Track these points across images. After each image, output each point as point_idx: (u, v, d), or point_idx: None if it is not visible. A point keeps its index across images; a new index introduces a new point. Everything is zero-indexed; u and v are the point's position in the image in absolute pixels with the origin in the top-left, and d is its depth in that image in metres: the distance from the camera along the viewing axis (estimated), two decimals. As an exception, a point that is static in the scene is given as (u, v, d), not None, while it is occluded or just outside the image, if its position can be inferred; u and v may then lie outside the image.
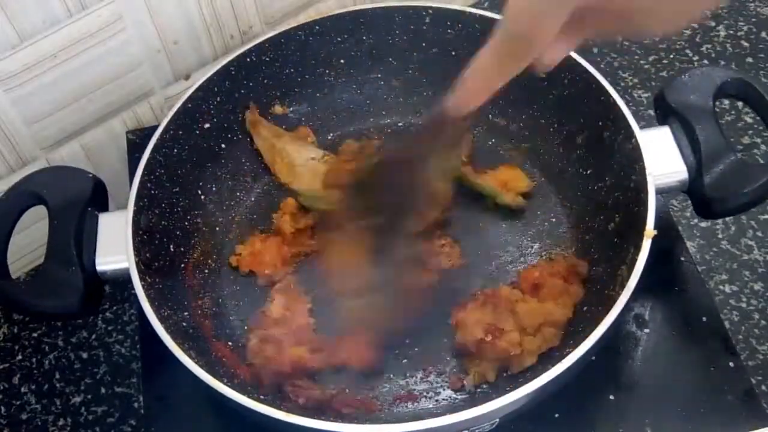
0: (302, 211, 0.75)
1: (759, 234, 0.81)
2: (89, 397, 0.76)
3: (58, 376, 0.78)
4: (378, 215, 0.64)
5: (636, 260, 0.60)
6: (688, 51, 0.96)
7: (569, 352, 0.56)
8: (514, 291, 0.67)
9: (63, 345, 0.80)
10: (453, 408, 0.63)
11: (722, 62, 0.94)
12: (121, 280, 0.65)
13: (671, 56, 0.96)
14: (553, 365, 0.56)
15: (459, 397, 0.65)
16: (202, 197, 0.75)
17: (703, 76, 0.70)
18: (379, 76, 0.82)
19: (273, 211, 0.76)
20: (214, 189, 0.76)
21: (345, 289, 0.66)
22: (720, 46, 0.96)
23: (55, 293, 0.64)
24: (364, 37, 0.79)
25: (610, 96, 0.69)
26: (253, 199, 0.78)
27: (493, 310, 0.65)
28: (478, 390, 0.65)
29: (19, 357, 0.79)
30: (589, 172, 0.73)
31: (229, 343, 0.68)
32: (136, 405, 0.75)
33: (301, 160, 0.77)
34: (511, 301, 0.65)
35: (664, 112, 0.70)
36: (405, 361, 0.67)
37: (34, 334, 0.81)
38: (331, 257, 0.68)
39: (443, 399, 0.65)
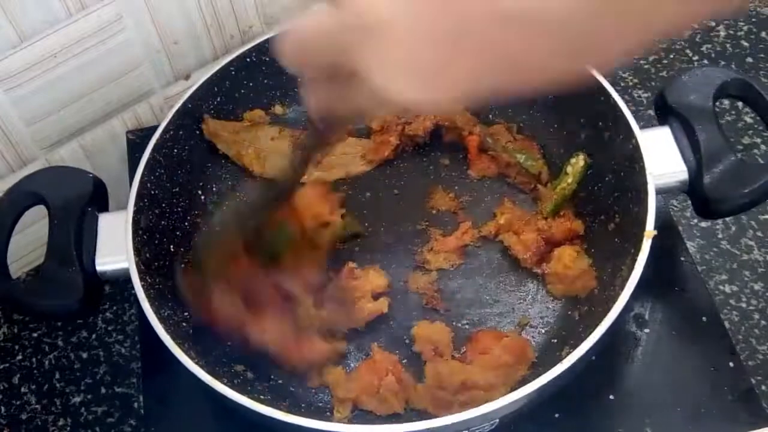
0: None
1: (759, 234, 0.81)
2: (89, 397, 0.76)
3: (58, 376, 0.78)
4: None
5: (636, 260, 0.60)
6: (688, 51, 0.96)
7: (569, 352, 0.56)
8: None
9: (63, 345, 0.80)
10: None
11: (722, 62, 0.94)
12: (121, 280, 0.65)
13: (671, 56, 0.96)
14: (553, 365, 0.56)
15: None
16: (203, 197, 0.75)
17: (703, 76, 0.70)
18: (379, 76, 0.82)
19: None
20: (214, 189, 0.76)
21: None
22: (720, 46, 0.96)
23: (55, 293, 0.64)
24: (364, 37, 0.79)
25: (610, 96, 0.69)
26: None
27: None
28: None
29: (19, 357, 0.79)
30: (589, 172, 0.72)
31: (229, 343, 0.68)
32: (136, 405, 0.75)
33: (263, 144, 0.76)
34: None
35: (664, 112, 0.70)
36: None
37: (34, 334, 0.81)
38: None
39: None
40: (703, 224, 0.82)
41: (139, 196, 0.67)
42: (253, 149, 0.76)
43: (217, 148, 0.77)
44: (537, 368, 0.63)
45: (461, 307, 0.69)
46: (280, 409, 0.56)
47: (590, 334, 0.57)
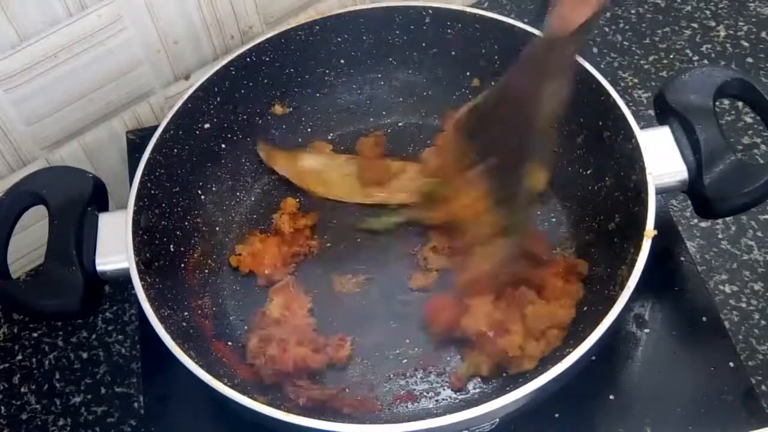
0: (302, 212, 0.75)
1: (759, 234, 0.81)
2: (89, 397, 0.76)
3: (58, 376, 0.78)
4: (494, 156, 0.63)
5: (636, 260, 0.60)
6: (688, 51, 0.96)
7: (569, 352, 0.56)
8: (529, 291, 0.66)
9: (63, 345, 0.80)
10: (453, 408, 0.63)
11: (722, 62, 0.94)
12: (121, 280, 0.65)
13: (671, 56, 0.96)
14: (553, 365, 0.56)
15: (459, 397, 0.65)
16: (202, 197, 0.75)
17: (703, 76, 0.70)
18: (379, 76, 0.82)
19: (273, 212, 0.77)
20: (214, 189, 0.76)
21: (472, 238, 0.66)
22: (720, 46, 0.96)
23: (55, 293, 0.64)
24: (364, 37, 0.79)
25: (610, 96, 0.69)
26: (253, 199, 0.78)
27: (506, 306, 0.65)
28: (474, 389, 0.65)
29: (19, 357, 0.79)
30: (589, 172, 0.73)
31: (229, 343, 0.68)
32: (136, 405, 0.75)
33: (328, 172, 0.77)
34: (523, 301, 0.65)
35: (664, 112, 0.70)
36: (405, 360, 0.67)
37: (34, 334, 0.81)
38: (452, 209, 0.68)
39: (443, 399, 0.65)
40: (703, 224, 0.82)
41: (139, 196, 0.67)
42: (318, 178, 0.77)
43: (217, 148, 0.77)
44: (537, 368, 0.63)
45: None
46: (280, 409, 0.56)
47: (590, 334, 0.57)
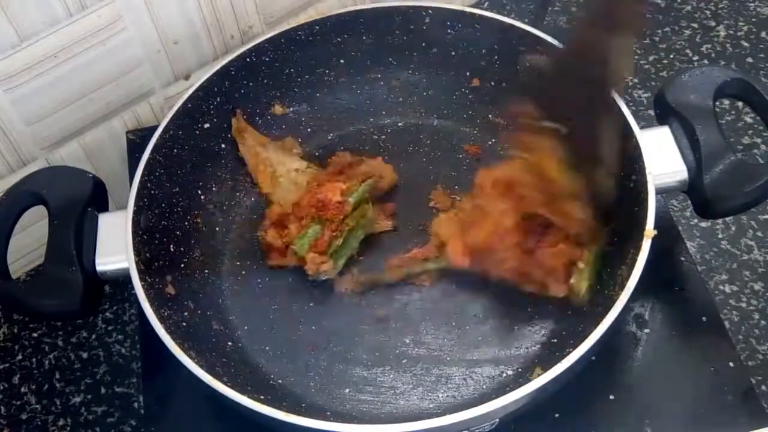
0: (284, 225, 0.73)
1: (759, 234, 0.81)
2: (89, 397, 0.76)
3: (58, 376, 0.78)
4: (570, 117, 0.62)
5: (636, 260, 0.60)
6: (688, 51, 0.96)
7: (569, 352, 0.56)
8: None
9: (63, 345, 0.80)
10: (453, 408, 0.63)
11: (722, 62, 0.94)
12: (121, 280, 0.65)
13: (671, 56, 0.96)
14: (553, 365, 0.56)
15: (459, 397, 0.65)
16: (202, 197, 0.75)
17: (703, 76, 0.70)
18: (379, 76, 0.82)
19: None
20: (214, 189, 0.76)
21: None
22: (720, 46, 0.96)
23: (55, 293, 0.64)
24: (364, 37, 0.79)
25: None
26: (253, 199, 0.78)
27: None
28: (475, 389, 0.65)
29: (19, 357, 0.79)
30: (589, 172, 0.73)
31: (230, 343, 0.68)
32: (136, 405, 0.75)
33: (282, 170, 0.76)
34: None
35: (664, 112, 0.70)
36: (405, 361, 0.67)
37: (34, 334, 0.81)
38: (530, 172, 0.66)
39: (443, 399, 0.65)
40: (703, 224, 0.82)
41: (139, 196, 0.67)
42: (272, 170, 0.76)
43: (217, 148, 0.77)
44: (542, 360, 0.63)
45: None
46: (280, 409, 0.56)
47: (590, 334, 0.57)
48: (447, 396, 0.65)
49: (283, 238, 0.71)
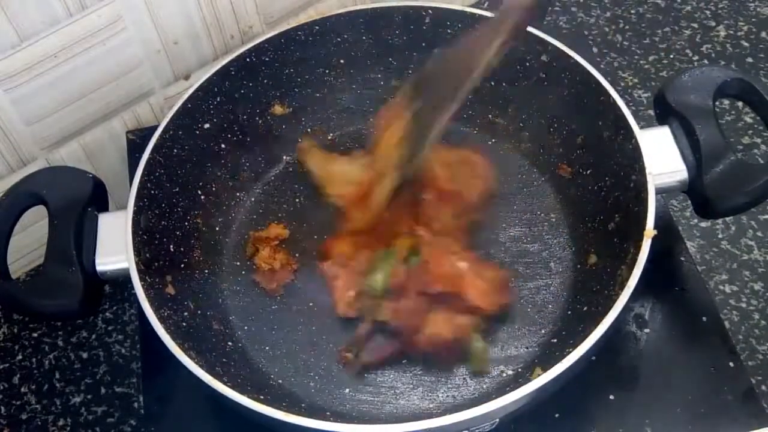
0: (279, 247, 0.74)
1: (759, 234, 0.81)
2: (89, 397, 0.76)
3: (58, 376, 0.78)
4: (424, 97, 0.66)
5: (636, 260, 0.60)
6: (688, 51, 0.96)
7: (569, 352, 0.56)
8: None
9: (63, 345, 0.80)
10: (453, 408, 0.63)
11: (722, 62, 0.94)
12: (121, 280, 0.65)
13: (671, 56, 0.96)
14: (553, 365, 0.56)
15: (459, 397, 0.65)
16: (202, 197, 0.75)
17: (703, 76, 0.70)
18: (379, 76, 0.82)
19: (272, 212, 0.77)
20: (214, 189, 0.76)
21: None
22: (720, 46, 0.96)
23: (55, 293, 0.64)
24: (364, 37, 0.79)
25: (610, 96, 0.69)
26: (253, 199, 0.78)
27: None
28: (474, 389, 0.65)
29: (19, 357, 0.79)
30: (589, 172, 0.73)
31: (229, 343, 0.68)
32: (136, 405, 0.75)
33: (352, 180, 0.76)
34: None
35: (663, 112, 0.70)
36: (405, 361, 0.67)
37: (34, 334, 0.81)
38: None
39: (443, 399, 0.65)
40: (703, 224, 0.82)
41: (139, 196, 0.67)
42: (339, 187, 0.76)
43: (217, 148, 0.77)
44: (542, 360, 0.63)
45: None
46: (280, 409, 0.56)
47: (590, 334, 0.57)
48: (447, 396, 0.65)
49: (274, 261, 0.72)
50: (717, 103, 0.69)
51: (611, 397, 0.65)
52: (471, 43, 0.65)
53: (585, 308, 0.65)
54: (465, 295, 0.66)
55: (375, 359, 0.66)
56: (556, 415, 0.64)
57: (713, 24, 0.98)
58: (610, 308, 0.58)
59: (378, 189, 0.69)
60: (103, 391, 0.77)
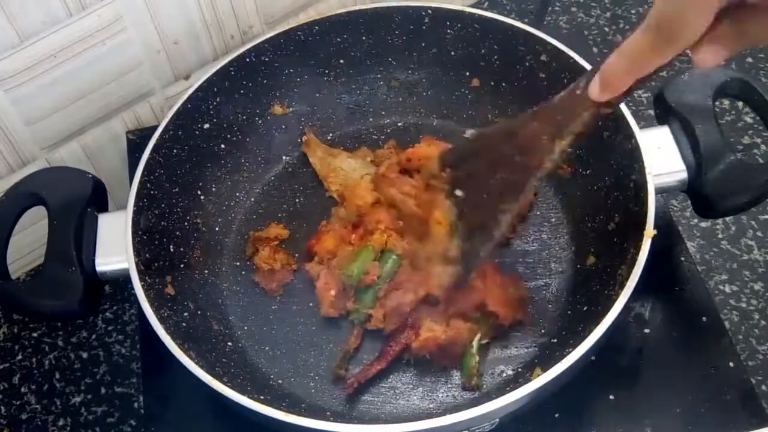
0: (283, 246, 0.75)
1: (759, 234, 0.81)
2: (89, 397, 0.76)
3: (58, 376, 0.78)
4: (476, 190, 0.63)
5: (636, 260, 0.60)
6: (688, 51, 0.96)
7: (569, 352, 0.56)
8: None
9: (63, 345, 0.80)
10: (453, 408, 0.63)
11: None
12: (121, 280, 0.65)
13: (671, 56, 0.95)
14: (553, 365, 0.56)
15: (459, 397, 0.65)
16: (202, 197, 0.75)
17: (703, 76, 0.70)
18: (379, 76, 0.82)
19: (272, 212, 0.77)
20: (213, 189, 0.76)
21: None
22: (720, 46, 0.96)
23: (55, 293, 0.64)
24: (364, 37, 0.79)
25: (610, 96, 0.69)
26: (252, 199, 0.78)
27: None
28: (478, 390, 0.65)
29: (19, 357, 0.79)
30: (589, 172, 0.73)
31: (229, 343, 0.68)
32: (136, 405, 0.75)
33: (354, 176, 0.77)
34: None
35: (663, 112, 0.70)
36: (404, 361, 0.67)
37: (34, 334, 0.81)
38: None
39: (443, 399, 0.65)
40: (703, 224, 0.82)
41: (139, 196, 0.67)
42: (342, 177, 0.77)
43: (217, 148, 0.77)
44: (542, 361, 0.63)
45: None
46: (280, 409, 0.56)
47: (590, 334, 0.57)
48: (447, 396, 0.65)
49: (275, 262, 0.72)
50: (717, 103, 0.69)
51: (611, 397, 0.65)
52: (529, 132, 0.59)
53: (585, 308, 0.65)
54: (484, 298, 0.66)
55: (364, 376, 0.65)
56: (556, 415, 0.64)
57: (713, 24, 0.98)
58: (610, 308, 0.58)
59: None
60: (103, 391, 0.77)
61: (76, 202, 0.67)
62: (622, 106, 0.68)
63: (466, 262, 0.64)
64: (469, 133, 0.70)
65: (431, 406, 0.65)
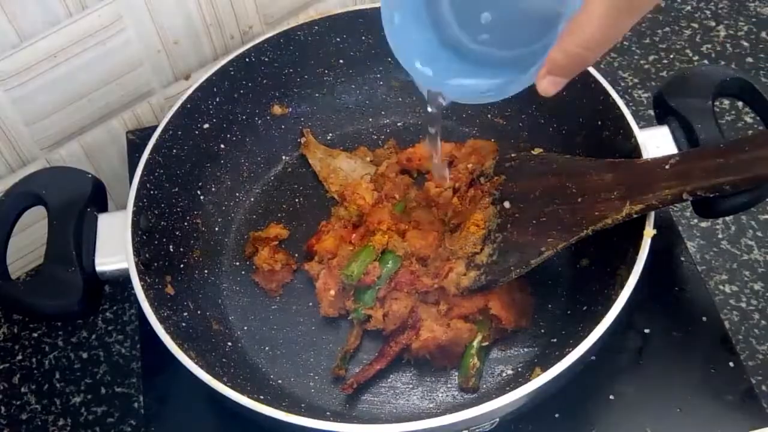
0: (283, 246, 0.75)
1: (759, 234, 0.81)
2: (89, 397, 0.76)
3: (58, 376, 0.78)
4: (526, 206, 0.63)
5: (636, 260, 0.60)
6: (688, 51, 0.96)
7: (569, 352, 0.56)
8: None
9: (63, 345, 0.80)
10: (453, 408, 0.63)
11: (722, 62, 0.94)
12: (121, 280, 0.65)
13: (671, 56, 0.96)
14: (553, 365, 0.56)
15: (459, 397, 0.65)
16: (202, 197, 0.75)
17: (702, 76, 0.70)
18: (379, 76, 0.82)
19: (272, 212, 0.77)
20: (213, 189, 0.76)
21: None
22: (720, 46, 0.96)
23: (55, 293, 0.64)
24: (364, 37, 0.79)
25: (610, 96, 0.69)
26: (252, 199, 0.78)
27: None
28: (478, 389, 0.65)
29: (19, 357, 0.79)
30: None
31: (229, 344, 0.68)
32: (136, 405, 0.75)
33: (354, 176, 0.77)
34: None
35: (663, 112, 0.70)
36: (404, 360, 0.67)
37: (34, 334, 0.81)
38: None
39: (443, 399, 0.65)
40: (703, 224, 0.82)
41: (139, 196, 0.67)
42: (342, 177, 0.77)
43: (217, 148, 0.77)
44: (542, 361, 0.63)
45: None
46: (280, 409, 0.56)
47: (590, 333, 0.57)
48: (447, 396, 0.65)
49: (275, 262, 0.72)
50: (717, 103, 0.69)
51: (611, 397, 0.65)
52: (602, 181, 0.59)
53: (585, 308, 0.65)
54: (488, 301, 0.66)
55: (364, 376, 0.65)
56: (556, 415, 0.64)
57: (713, 24, 0.98)
58: (609, 308, 0.58)
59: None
60: (103, 391, 0.77)
61: (76, 202, 0.67)
62: (622, 106, 0.68)
63: (490, 274, 0.64)
64: (538, 151, 0.71)
65: (431, 406, 0.65)
